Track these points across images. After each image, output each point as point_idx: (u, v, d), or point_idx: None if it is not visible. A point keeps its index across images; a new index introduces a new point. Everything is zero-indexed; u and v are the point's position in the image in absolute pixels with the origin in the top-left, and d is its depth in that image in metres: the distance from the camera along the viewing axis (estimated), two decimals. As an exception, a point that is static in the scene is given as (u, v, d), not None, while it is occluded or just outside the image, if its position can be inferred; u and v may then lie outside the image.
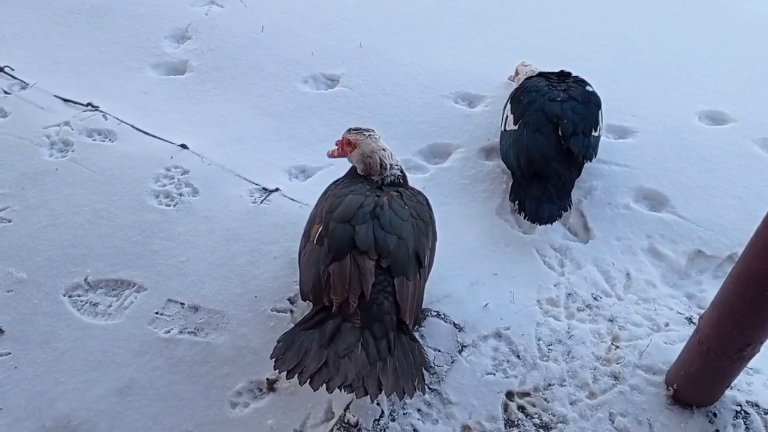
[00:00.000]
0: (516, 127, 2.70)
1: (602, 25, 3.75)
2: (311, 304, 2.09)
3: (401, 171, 2.30)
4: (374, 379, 1.82)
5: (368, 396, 1.80)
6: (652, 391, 2.13)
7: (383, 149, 2.26)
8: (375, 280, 1.97)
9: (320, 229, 2.08)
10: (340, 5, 3.87)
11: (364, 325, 1.92)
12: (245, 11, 3.84)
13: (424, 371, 1.96)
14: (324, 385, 1.78)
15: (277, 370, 1.86)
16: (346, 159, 2.35)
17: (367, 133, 2.28)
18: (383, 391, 1.82)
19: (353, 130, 2.32)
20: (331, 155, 2.38)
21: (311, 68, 3.44)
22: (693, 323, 2.32)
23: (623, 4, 3.94)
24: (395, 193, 2.18)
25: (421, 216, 2.16)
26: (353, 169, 2.34)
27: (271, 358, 1.90)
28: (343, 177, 2.35)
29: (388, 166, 2.25)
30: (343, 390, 1.80)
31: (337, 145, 2.36)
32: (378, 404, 2.10)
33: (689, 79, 3.34)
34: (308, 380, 1.79)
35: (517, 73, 3.11)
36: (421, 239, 2.11)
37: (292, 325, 2.27)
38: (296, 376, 1.81)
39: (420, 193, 2.30)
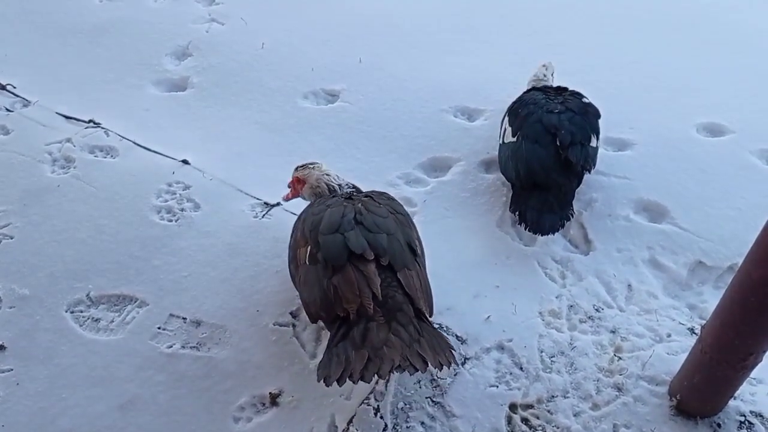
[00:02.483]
0: (514, 139, 2.72)
1: (600, 38, 3.78)
2: (321, 322, 2.09)
3: (353, 187, 2.38)
4: (417, 356, 1.85)
5: (417, 371, 1.83)
6: (655, 402, 2.12)
7: (327, 174, 2.38)
8: (381, 280, 1.99)
9: (309, 248, 2.08)
10: (340, 21, 3.91)
11: (388, 319, 1.94)
12: (246, 28, 3.87)
13: (452, 350, 1.98)
14: (375, 375, 1.81)
15: (329, 386, 1.84)
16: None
17: (311, 166, 2.42)
18: (429, 364, 1.85)
19: (299, 167, 2.45)
20: (286, 199, 2.52)
21: (311, 84, 3.47)
22: (695, 334, 2.32)
23: (620, 18, 3.98)
24: (366, 198, 2.23)
25: (398, 210, 2.23)
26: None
27: (319, 381, 1.87)
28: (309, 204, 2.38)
29: (337, 187, 2.35)
30: (395, 372, 1.85)
31: (289, 187, 2.46)
32: (381, 417, 2.10)
33: (687, 92, 3.37)
34: (360, 377, 1.81)
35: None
36: (407, 230, 2.17)
37: (295, 339, 2.29)
38: (347, 378, 1.82)
39: (384, 192, 2.35)
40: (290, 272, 2.23)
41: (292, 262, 2.19)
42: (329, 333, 2.03)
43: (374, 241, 2.04)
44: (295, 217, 2.66)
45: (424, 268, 2.18)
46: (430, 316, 2.08)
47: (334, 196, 2.27)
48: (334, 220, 2.09)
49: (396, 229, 2.11)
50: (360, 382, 1.82)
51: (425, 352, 1.88)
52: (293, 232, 2.26)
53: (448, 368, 1.94)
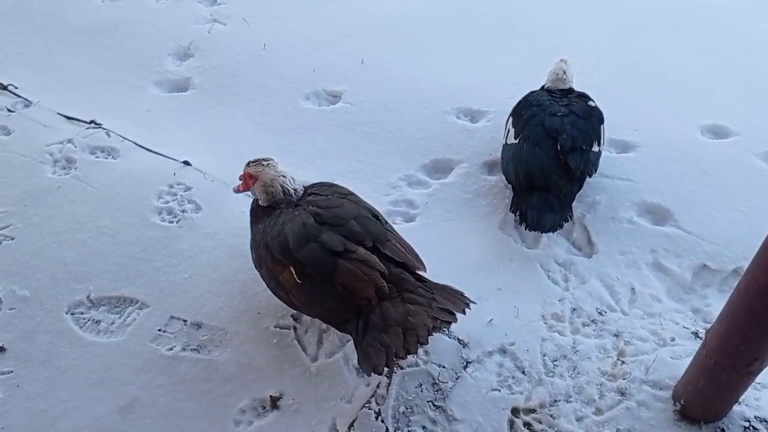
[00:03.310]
0: (516, 141, 2.71)
1: (602, 40, 3.76)
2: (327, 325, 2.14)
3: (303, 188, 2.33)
4: (442, 311, 1.95)
5: (450, 323, 1.95)
6: (659, 407, 2.11)
7: (282, 175, 2.28)
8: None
9: (292, 269, 2.04)
10: (342, 22, 3.90)
11: (398, 291, 2.00)
12: (247, 29, 3.86)
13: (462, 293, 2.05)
14: (417, 345, 1.90)
15: (381, 374, 1.91)
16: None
17: (265, 163, 2.31)
18: (456, 314, 1.96)
19: (252, 162, 2.33)
20: (237, 191, 2.40)
21: (313, 85, 3.46)
22: (699, 338, 2.31)
23: (623, 19, 3.96)
24: (311, 197, 2.21)
25: (344, 192, 2.24)
26: (256, 208, 2.33)
27: (369, 375, 1.94)
28: (255, 224, 2.31)
29: (292, 191, 2.25)
30: (433, 333, 1.93)
31: (240, 180, 2.38)
32: (382, 421, 2.08)
33: (690, 94, 3.35)
34: (406, 352, 1.89)
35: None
36: (365, 206, 2.20)
37: (296, 342, 2.27)
38: (394, 358, 1.88)
39: (324, 182, 2.34)
40: (281, 298, 2.19)
41: (280, 290, 2.14)
42: (344, 333, 2.08)
43: (347, 232, 2.05)
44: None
45: (395, 231, 2.21)
46: (426, 272, 2.14)
47: (277, 208, 2.22)
48: (299, 232, 2.05)
49: (357, 210, 2.13)
50: (364, 383, 1.88)
51: (445, 305, 1.96)
52: (259, 261, 2.20)
53: (470, 309, 2.03)
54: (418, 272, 2.09)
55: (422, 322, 1.91)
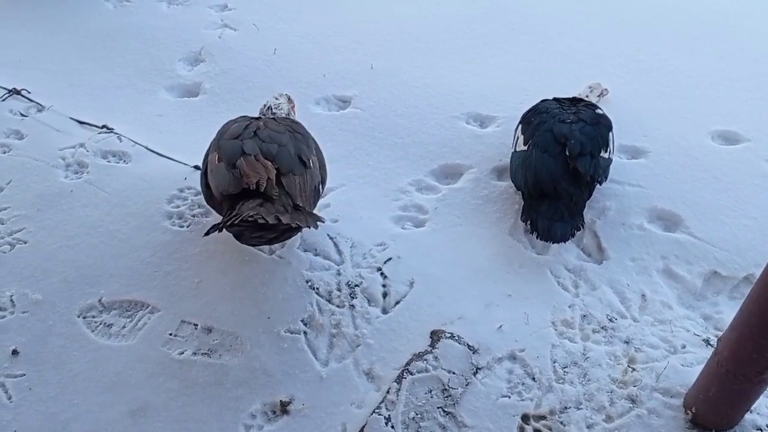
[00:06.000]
0: (525, 148, 2.71)
1: (613, 45, 3.76)
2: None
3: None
4: (271, 215, 2.11)
5: (267, 222, 2.09)
6: (670, 415, 2.10)
7: (275, 98, 2.91)
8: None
9: (217, 154, 2.39)
10: (352, 28, 3.91)
11: (265, 200, 2.22)
12: (258, 34, 3.89)
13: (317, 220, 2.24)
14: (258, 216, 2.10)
15: (217, 231, 2.15)
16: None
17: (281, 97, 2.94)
18: (281, 221, 2.10)
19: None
20: None
21: (323, 90, 3.47)
22: (710, 345, 2.30)
23: (633, 24, 3.95)
24: (270, 120, 2.59)
25: (297, 130, 2.55)
26: None
27: (205, 234, 2.22)
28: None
29: (266, 110, 2.82)
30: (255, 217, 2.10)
31: None
32: (392, 427, 2.09)
33: (701, 99, 3.34)
34: (237, 215, 2.13)
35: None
36: (301, 146, 2.46)
37: (306, 347, 2.28)
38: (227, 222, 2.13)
39: (295, 121, 2.71)
40: (202, 184, 2.49)
41: (203, 176, 2.47)
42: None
43: (265, 148, 2.35)
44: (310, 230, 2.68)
45: (315, 178, 2.44)
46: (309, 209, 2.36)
47: (241, 117, 2.65)
48: (236, 131, 2.44)
49: (288, 143, 2.42)
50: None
51: (282, 215, 2.12)
52: (207, 152, 2.54)
53: (309, 228, 2.21)
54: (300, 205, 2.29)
55: (267, 212, 2.12)
